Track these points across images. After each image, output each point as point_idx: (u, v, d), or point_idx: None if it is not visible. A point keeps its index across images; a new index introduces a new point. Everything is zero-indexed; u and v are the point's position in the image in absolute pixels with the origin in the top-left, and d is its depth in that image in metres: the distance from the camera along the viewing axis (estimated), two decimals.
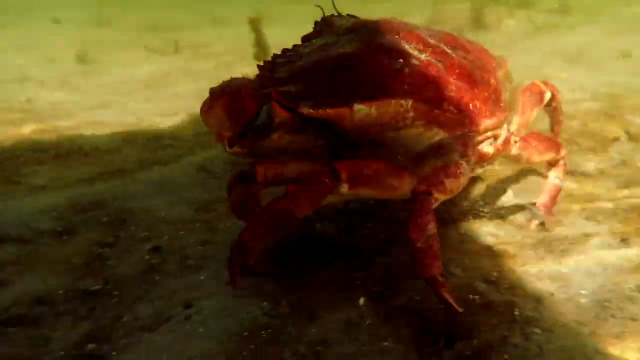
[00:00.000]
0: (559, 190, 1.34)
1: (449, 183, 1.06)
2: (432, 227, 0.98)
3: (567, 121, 2.35)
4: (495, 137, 1.16)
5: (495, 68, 1.21)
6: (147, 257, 1.34)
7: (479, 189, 1.55)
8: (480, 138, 1.13)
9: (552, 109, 1.56)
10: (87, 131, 2.51)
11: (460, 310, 0.97)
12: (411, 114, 1.06)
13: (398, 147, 1.11)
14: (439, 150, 1.11)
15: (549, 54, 4.49)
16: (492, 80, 1.16)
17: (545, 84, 1.51)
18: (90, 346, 1.00)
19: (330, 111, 1.05)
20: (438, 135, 1.09)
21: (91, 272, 1.27)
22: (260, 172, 1.15)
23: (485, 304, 0.99)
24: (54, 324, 1.06)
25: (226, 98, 1.11)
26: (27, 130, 2.51)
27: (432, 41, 1.16)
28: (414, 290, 1.10)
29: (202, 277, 1.24)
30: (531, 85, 1.44)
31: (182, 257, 1.33)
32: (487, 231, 1.29)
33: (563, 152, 1.33)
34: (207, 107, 1.12)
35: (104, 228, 1.49)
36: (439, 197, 1.04)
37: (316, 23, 1.34)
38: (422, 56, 1.11)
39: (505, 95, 1.20)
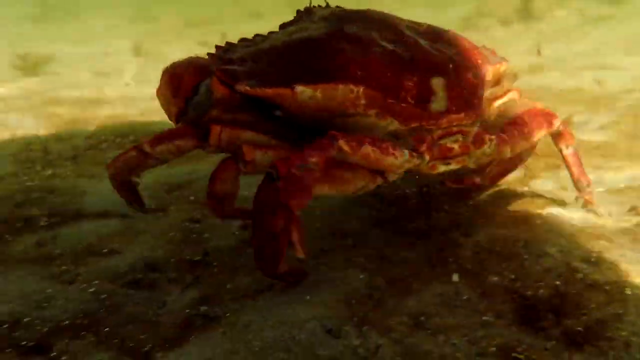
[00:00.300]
0: (578, 156, 1.28)
1: (367, 148, 1.00)
2: (314, 161, 0.93)
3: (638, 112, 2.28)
4: (463, 134, 1.10)
5: (481, 66, 1.16)
6: (237, 232, 1.42)
7: (565, 175, 1.54)
8: (441, 132, 1.09)
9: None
10: (155, 118, 2.65)
11: (302, 255, 0.93)
12: (363, 101, 1.03)
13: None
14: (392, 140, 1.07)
15: (604, 43, 4.31)
16: (469, 76, 1.11)
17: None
18: (203, 308, 1.09)
19: (269, 91, 1.03)
20: (392, 125, 1.06)
21: (190, 244, 1.36)
22: (214, 133, 1.07)
23: (589, 283, 1.00)
24: (168, 288, 1.16)
25: (170, 75, 1.15)
26: (104, 117, 2.68)
27: (408, 33, 1.13)
28: (507, 269, 1.12)
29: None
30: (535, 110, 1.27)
31: None
32: (577, 216, 1.29)
33: (557, 122, 1.22)
34: (158, 86, 1.16)
35: (192, 206, 1.59)
36: (343, 147, 0.97)
37: (298, 12, 1.32)
38: (389, 46, 1.08)
39: (486, 93, 1.13)
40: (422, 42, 1.12)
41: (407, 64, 1.07)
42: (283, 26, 1.30)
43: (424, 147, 1.07)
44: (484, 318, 0.99)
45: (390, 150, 1.04)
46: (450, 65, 1.10)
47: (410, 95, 1.05)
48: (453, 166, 1.12)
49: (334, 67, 1.04)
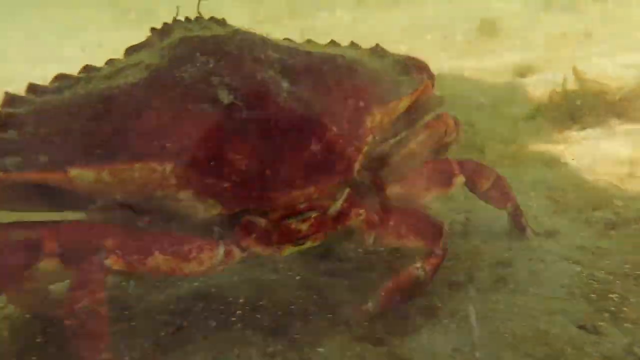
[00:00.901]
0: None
1: (157, 258, 0.79)
2: (88, 301, 0.74)
3: None
4: (319, 209, 0.87)
5: (361, 110, 0.90)
6: None
7: None
8: (282, 213, 0.85)
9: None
10: None
11: None
12: (173, 181, 0.80)
13: (181, 219, 0.86)
14: (212, 228, 0.85)
15: None
16: (332, 133, 0.85)
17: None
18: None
19: (34, 175, 0.78)
20: (215, 208, 0.83)
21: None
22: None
23: None
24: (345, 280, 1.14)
25: None
26: None
27: (263, 74, 0.86)
28: None
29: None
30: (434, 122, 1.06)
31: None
32: None
33: (459, 179, 1.03)
34: None
35: None
36: (114, 266, 0.77)
37: (152, 30, 1.06)
38: (226, 97, 0.83)
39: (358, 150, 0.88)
40: (282, 85, 0.87)
41: (238, 126, 0.82)
42: (128, 51, 1.04)
43: (248, 241, 0.85)
44: None
45: (194, 253, 0.82)
46: (304, 123, 0.85)
47: (236, 171, 0.81)
48: (310, 244, 0.89)
49: (134, 137, 0.80)
